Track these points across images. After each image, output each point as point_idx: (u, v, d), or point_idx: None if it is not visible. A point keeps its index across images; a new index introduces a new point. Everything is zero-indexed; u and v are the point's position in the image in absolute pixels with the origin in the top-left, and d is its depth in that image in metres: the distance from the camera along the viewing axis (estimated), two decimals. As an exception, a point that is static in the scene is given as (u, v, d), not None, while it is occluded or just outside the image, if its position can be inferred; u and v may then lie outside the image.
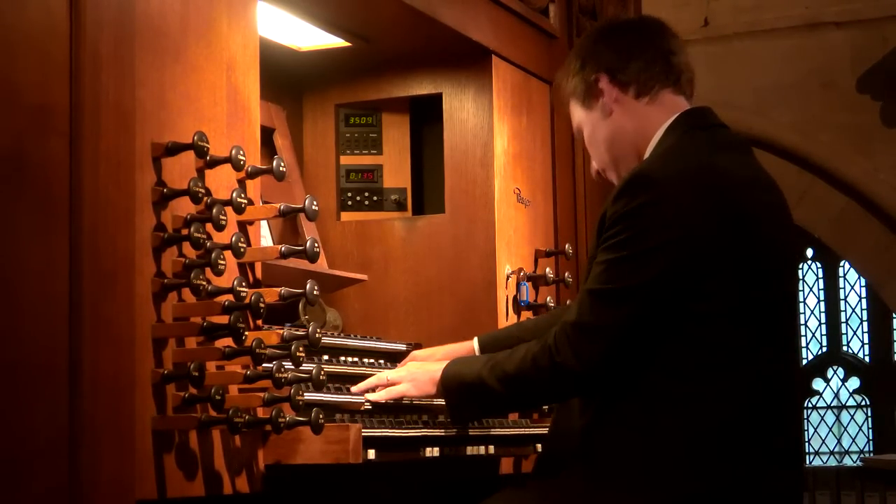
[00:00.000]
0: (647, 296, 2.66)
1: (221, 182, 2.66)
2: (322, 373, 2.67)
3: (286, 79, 3.90)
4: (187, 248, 2.54)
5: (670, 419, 2.65)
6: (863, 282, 11.71)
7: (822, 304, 12.17)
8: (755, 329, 2.71)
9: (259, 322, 2.69)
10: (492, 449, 3.27)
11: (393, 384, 3.08)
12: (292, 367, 2.59)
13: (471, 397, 2.94)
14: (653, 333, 2.67)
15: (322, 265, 3.70)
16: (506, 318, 3.79)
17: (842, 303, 12.12)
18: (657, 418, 2.66)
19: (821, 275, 12.19)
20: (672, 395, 2.66)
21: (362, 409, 3.03)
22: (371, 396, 3.06)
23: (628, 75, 2.92)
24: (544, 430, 3.37)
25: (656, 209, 2.66)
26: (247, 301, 2.54)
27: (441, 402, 3.08)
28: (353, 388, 3.08)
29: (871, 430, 11.93)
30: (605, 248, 2.71)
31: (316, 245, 2.69)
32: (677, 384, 2.66)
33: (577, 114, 3.02)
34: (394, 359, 3.45)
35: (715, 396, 2.66)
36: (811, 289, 12.19)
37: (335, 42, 3.73)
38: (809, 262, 12.19)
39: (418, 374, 3.08)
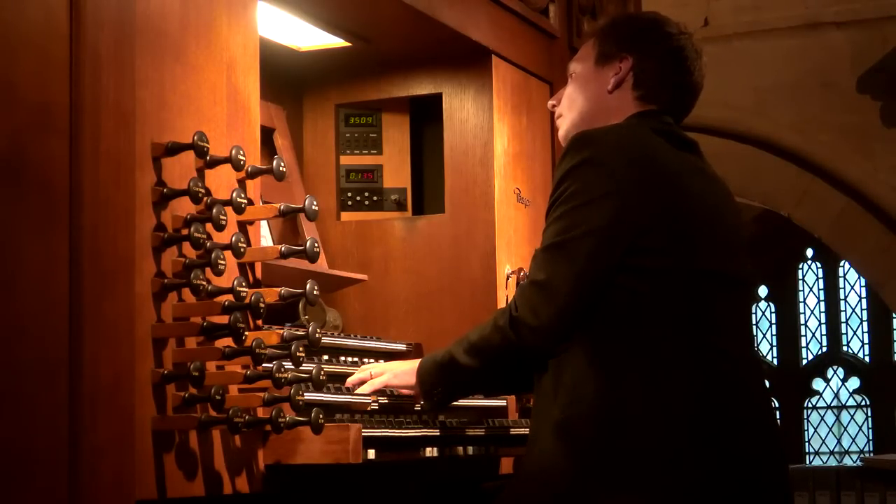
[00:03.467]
0: (595, 244, 2.71)
1: (221, 182, 2.66)
2: (322, 373, 2.67)
3: (286, 79, 3.90)
4: (187, 248, 2.54)
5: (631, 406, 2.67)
6: (863, 282, 11.72)
7: (822, 304, 12.19)
8: (697, 300, 2.74)
9: (259, 322, 2.69)
10: (491, 449, 3.27)
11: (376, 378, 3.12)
12: (292, 367, 2.59)
13: (442, 375, 2.98)
14: (604, 286, 2.71)
15: (322, 265, 3.70)
16: (506, 318, 3.78)
17: (842, 303, 12.15)
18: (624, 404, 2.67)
19: (821, 275, 12.20)
20: (630, 368, 2.69)
21: (369, 408, 3.04)
22: (356, 390, 3.09)
23: (647, 81, 2.95)
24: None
25: (597, 163, 2.74)
26: (247, 301, 2.54)
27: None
28: (348, 381, 3.11)
29: (871, 430, 11.95)
30: (553, 206, 2.79)
31: (316, 245, 2.69)
32: (635, 353, 2.69)
33: (584, 62, 3.03)
34: (393, 359, 3.44)
35: (669, 370, 2.68)
36: (811, 289, 12.21)
37: (335, 42, 3.73)
38: (809, 262, 12.21)
39: (399, 366, 3.13)
